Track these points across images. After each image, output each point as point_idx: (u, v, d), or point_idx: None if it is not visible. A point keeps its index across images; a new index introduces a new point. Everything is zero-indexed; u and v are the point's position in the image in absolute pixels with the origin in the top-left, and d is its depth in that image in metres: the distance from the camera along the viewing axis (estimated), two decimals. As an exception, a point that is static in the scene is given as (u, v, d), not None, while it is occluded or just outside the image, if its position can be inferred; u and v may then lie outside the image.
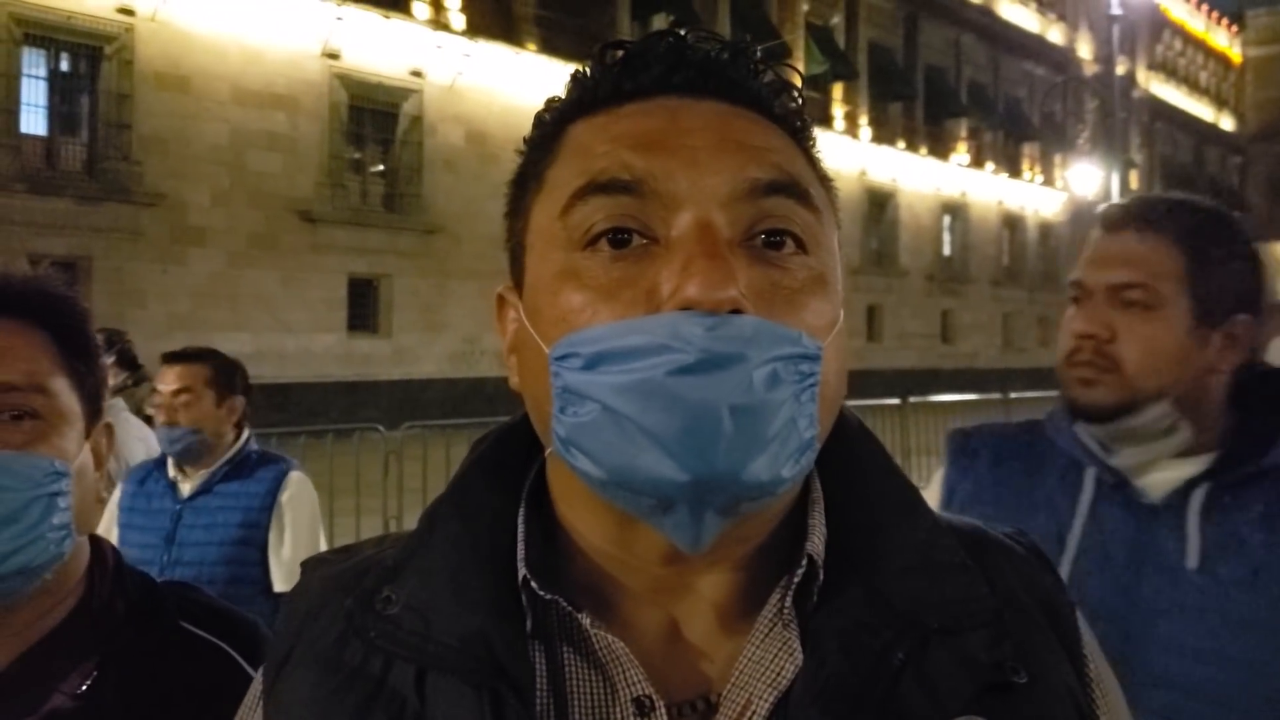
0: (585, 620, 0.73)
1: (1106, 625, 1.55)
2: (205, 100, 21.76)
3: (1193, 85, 62.93)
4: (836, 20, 37.72)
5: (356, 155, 24.84)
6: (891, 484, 0.83)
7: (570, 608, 0.74)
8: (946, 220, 42.42)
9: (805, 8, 36.09)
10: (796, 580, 0.75)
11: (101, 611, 1.23)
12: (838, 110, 37.50)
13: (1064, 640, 0.82)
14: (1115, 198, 30.40)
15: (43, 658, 1.17)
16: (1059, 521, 1.68)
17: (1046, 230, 47.69)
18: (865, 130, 38.10)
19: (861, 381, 32.20)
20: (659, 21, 31.22)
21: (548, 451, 0.76)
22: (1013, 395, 16.11)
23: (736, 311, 0.68)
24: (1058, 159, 47.44)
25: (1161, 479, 1.65)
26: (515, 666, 0.72)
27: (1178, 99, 59.58)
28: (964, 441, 1.88)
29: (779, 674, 0.74)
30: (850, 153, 37.18)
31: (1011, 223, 45.69)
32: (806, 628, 0.75)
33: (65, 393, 1.21)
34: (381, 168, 25.42)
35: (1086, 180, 33.99)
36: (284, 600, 0.87)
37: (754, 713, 0.72)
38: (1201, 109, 63.45)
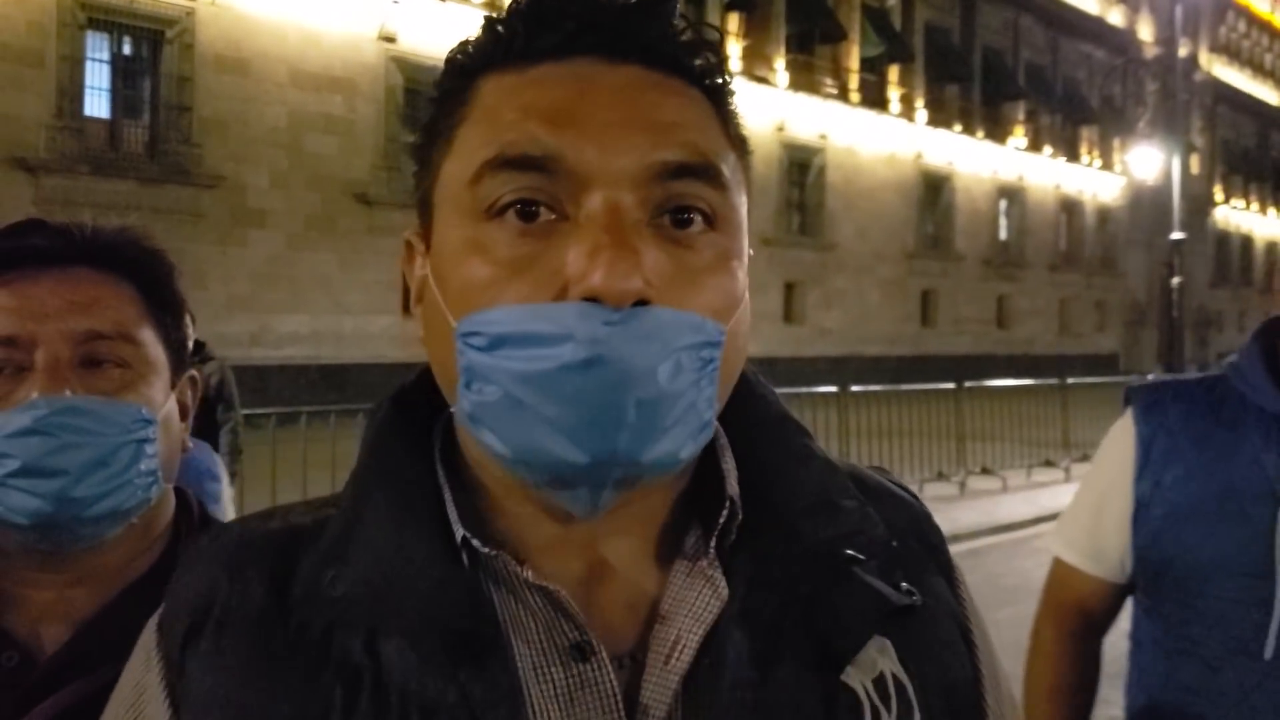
0: (526, 572, 0.74)
1: None
2: (264, 83, 21.98)
3: (1257, 67, 61.59)
4: (893, 2, 37.32)
5: (412, 138, 24.88)
6: (786, 430, 0.86)
7: (513, 561, 0.75)
8: (1003, 204, 41.91)
9: (861, -11, 35.75)
10: (722, 521, 0.78)
11: None
12: (893, 93, 37.15)
13: (940, 567, 0.89)
14: (1176, 182, 29.66)
15: (131, 604, 1.18)
16: (1268, 475, 1.68)
17: (1105, 215, 46.99)
18: (921, 113, 37.73)
19: (916, 367, 32.10)
20: (713, 4, 31.00)
21: (453, 408, 0.76)
22: (1070, 381, 15.86)
23: (642, 301, 0.69)
24: (1117, 143, 46.72)
25: None
26: (474, 622, 0.74)
27: (1241, 81, 58.34)
28: (1150, 397, 1.86)
29: (705, 610, 0.76)
30: (906, 136, 36.86)
31: (1069, 207, 45.07)
32: (727, 565, 0.78)
33: (152, 343, 1.24)
34: (437, 150, 25.49)
35: (1146, 164, 33.44)
36: (184, 561, 0.84)
37: (684, 647, 0.75)
38: (1266, 92, 62.08)
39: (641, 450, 0.69)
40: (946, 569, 0.89)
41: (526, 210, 0.72)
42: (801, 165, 34.17)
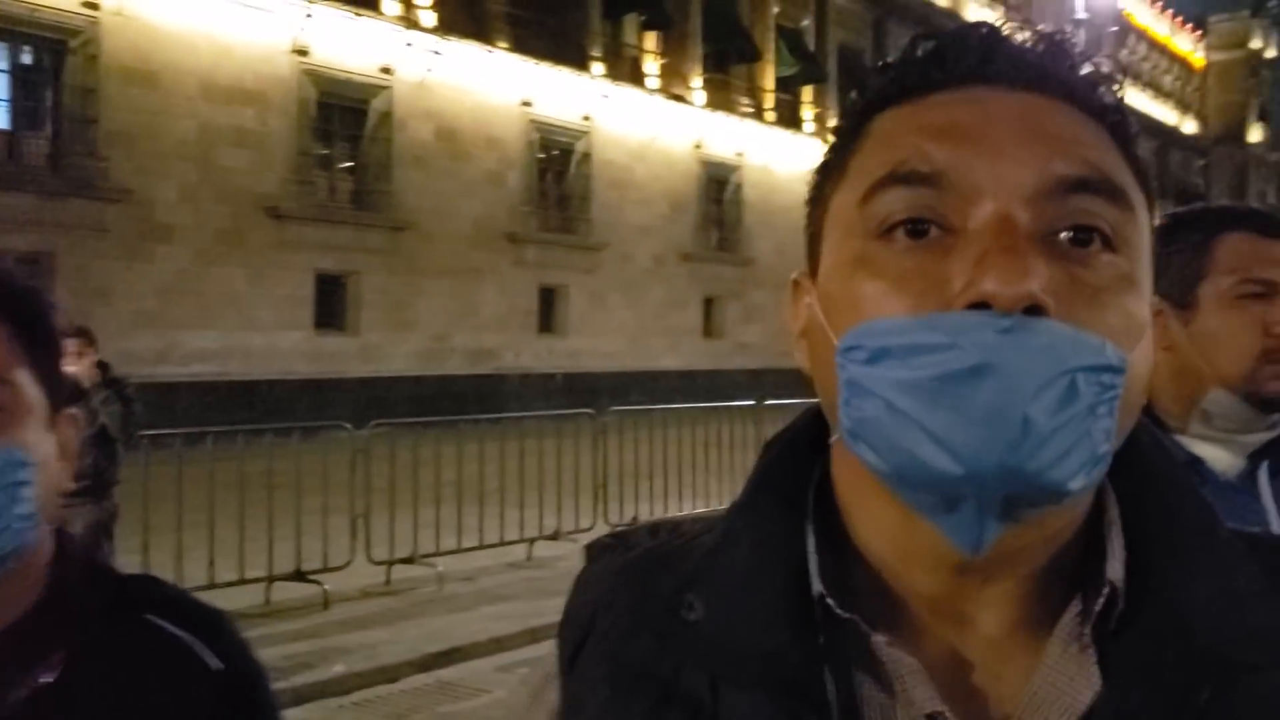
0: (880, 640, 0.72)
1: None
2: (173, 96, 21.62)
3: (1156, 89, 63.52)
4: (806, 22, 37.84)
5: (325, 151, 24.74)
6: (1188, 502, 0.78)
7: (866, 627, 0.72)
8: (915, 222, 42.66)
9: (775, 10, 36.18)
10: (1098, 607, 0.71)
11: (71, 604, 1.23)
12: (807, 112, 37.63)
13: None
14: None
15: (8, 648, 1.17)
16: None
17: (1013, 232, 48.07)
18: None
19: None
20: (630, 21, 31.19)
21: (833, 439, 0.75)
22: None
23: (1035, 310, 0.65)
24: (1025, 162, 47.84)
25: (1226, 455, 1.81)
26: (812, 685, 0.72)
27: (1142, 102, 60.07)
28: None
29: (1075, 700, 0.70)
30: (819, 155, 37.15)
31: (979, 225, 46.03)
32: (1104, 654, 0.71)
33: (28, 384, 1.21)
34: (350, 164, 25.32)
35: (1053, 183, 34.34)
36: (576, 583, 0.87)
37: None
38: (1165, 112, 64.02)
39: (1027, 470, 0.64)
40: None
41: (916, 228, 0.70)
42: (719, 182, 34.50)
